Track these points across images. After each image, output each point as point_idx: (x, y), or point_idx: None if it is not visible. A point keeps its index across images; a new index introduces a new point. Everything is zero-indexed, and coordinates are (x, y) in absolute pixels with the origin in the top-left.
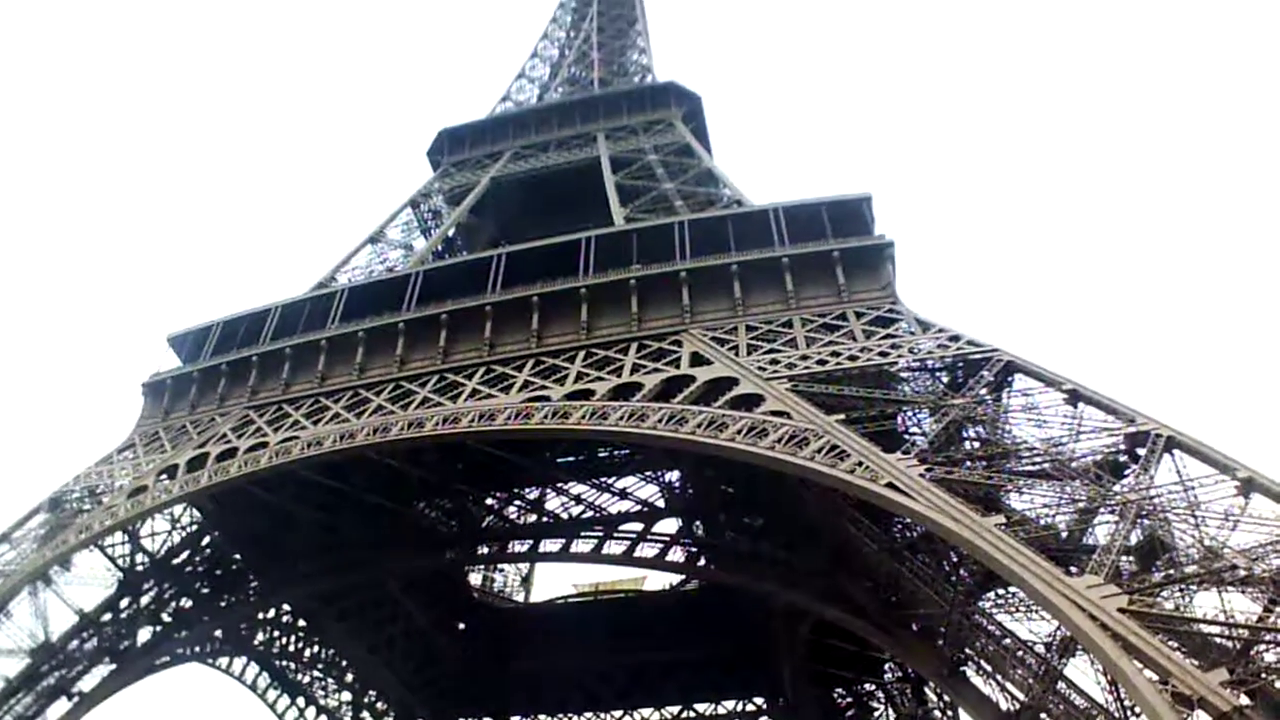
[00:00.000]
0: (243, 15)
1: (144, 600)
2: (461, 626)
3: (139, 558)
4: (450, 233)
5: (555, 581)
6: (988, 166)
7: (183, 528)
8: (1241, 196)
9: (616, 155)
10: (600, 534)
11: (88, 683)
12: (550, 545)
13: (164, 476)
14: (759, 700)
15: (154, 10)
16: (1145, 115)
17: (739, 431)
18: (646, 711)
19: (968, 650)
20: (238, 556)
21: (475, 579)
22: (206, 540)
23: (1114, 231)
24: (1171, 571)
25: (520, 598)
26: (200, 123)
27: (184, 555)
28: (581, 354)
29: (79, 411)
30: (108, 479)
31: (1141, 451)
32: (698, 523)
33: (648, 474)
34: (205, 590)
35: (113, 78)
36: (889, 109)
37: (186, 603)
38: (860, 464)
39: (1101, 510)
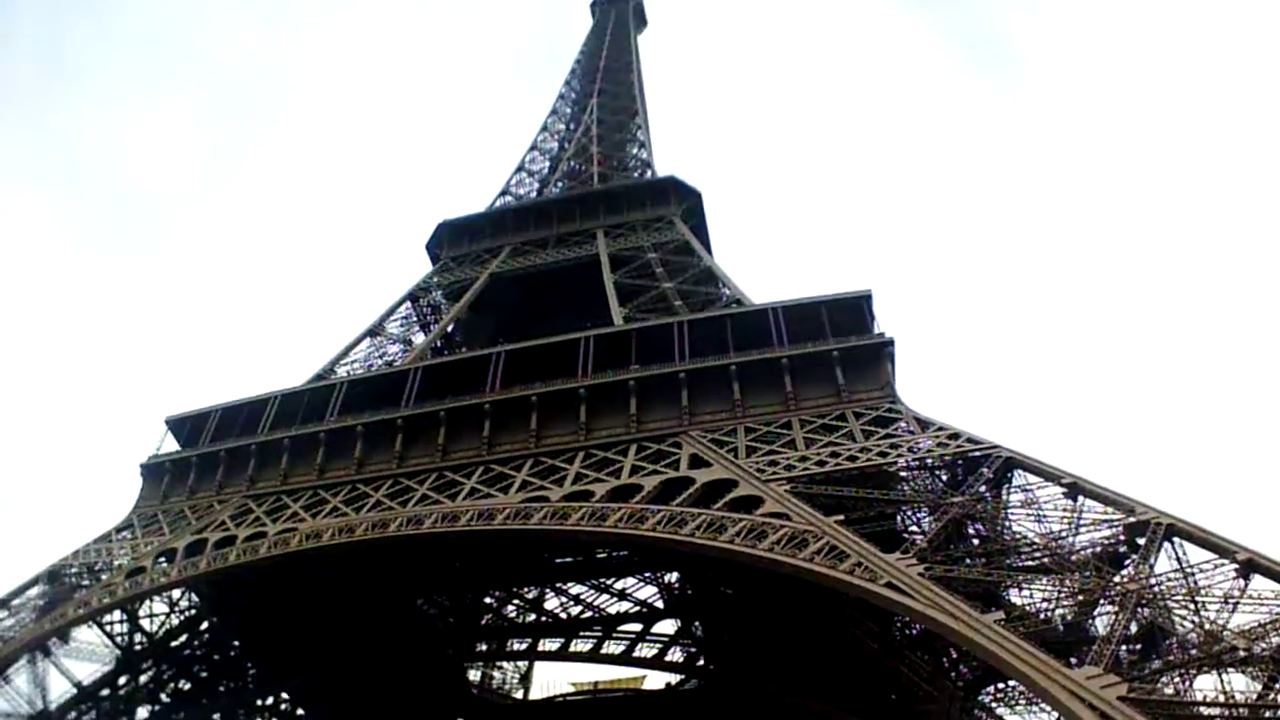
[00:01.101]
0: (242, 104)
1: (142, 679)
2: None
3: (137, 637)
4: (449, 328)
5: (554, 679)
6: (985, 257)
7: (181, 611)
8: (1235, 278)
9: (615, 253)
10: (599, 634)
11: None
12: (549, 644)
13: (162, 559)
14: None
15: (164, 104)
16: (1141, 203)
17: (738, 534)
18: None
19: None
20: (236, 643)
21: (474, 675)
22: (205, 625)
23: (1111, 317)
24: (1171, 657)
25: (519, 695)
26: (203, 211)
27: (183, 638)
28: (580, 455)
29: (70, 483)
30: (106, 557)
31: (1141, 541)
32: (697, 623)
33: (647, 575)
34: (204, 674)
35: (112, 161)
36: (888, 198)
37: (185, 685)
38: (859, 564)
39: (1101, 601)
